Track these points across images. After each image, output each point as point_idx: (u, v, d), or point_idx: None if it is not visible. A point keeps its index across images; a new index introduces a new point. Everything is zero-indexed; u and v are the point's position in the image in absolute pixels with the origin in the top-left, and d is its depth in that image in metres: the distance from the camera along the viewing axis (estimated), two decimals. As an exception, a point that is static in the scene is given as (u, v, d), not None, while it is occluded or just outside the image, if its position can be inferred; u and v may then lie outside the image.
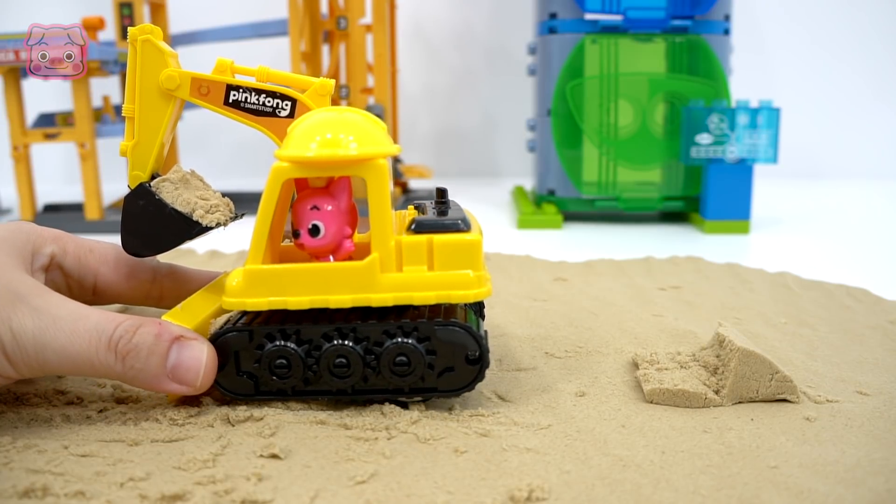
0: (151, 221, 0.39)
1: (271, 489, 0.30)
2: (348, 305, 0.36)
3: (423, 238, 0.36)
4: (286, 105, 0.40)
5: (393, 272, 0.36)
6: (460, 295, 0.36)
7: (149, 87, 0.39)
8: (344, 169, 0.36)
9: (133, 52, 0.39)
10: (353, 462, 0.32)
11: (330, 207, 0.37)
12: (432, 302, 0.36)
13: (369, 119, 0.37)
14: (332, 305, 0.36)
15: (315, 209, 0.37)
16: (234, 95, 0.40)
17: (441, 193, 0.40)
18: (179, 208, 0.39)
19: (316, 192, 0.38)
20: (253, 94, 0.40)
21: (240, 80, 0.40)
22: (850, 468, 0.32)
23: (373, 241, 0.36)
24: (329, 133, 0.35)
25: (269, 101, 0.40)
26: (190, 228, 0.39)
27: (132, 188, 0.40)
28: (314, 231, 0.37)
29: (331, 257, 0.38)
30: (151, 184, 0.39)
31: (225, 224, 0.40)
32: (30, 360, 0.34)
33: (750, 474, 0.31)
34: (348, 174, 0.36)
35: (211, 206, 0.39)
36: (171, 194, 0.39)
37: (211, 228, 0.39)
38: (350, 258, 0.38)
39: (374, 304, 0.36)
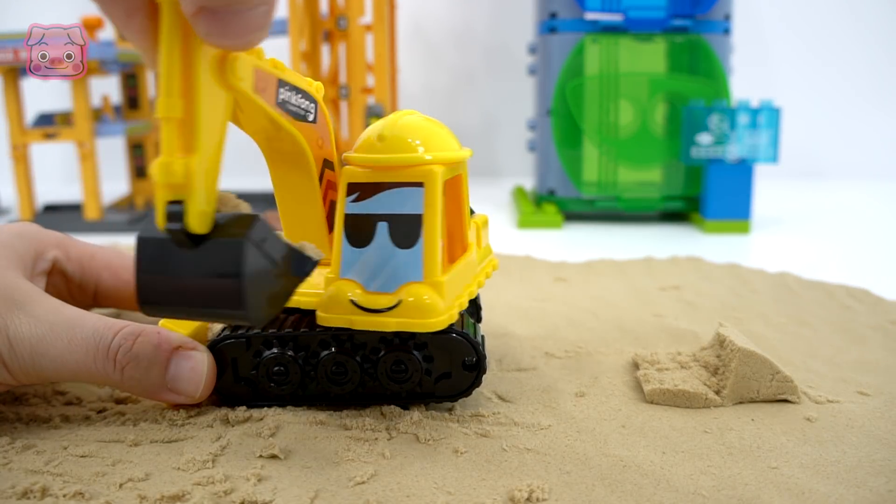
0: (274, 273, 0.29)
1: (271, 490, 0.30)
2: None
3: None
4: (312, 108, 0.34)
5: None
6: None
7: (201, 73, 0.26)
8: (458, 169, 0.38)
9: (170, 21, 0.26)
10: (353, 462, 0.32)
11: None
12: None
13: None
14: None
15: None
16: (282, 94, 0.32)
17: None
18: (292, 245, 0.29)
19: None
20: (294, 93, 0.32)
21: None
22: (851, 469, 0.32)
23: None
24: (448, 136, 0.37)
25: (304, 103, 0.33)
26: (307, 268, 0.30)
27: (236, 235, 0.27)
28: None
29: None
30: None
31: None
32: (27, 368, 0.34)
33: (751, 475, 0.31)
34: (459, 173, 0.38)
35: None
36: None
37: (317, 264, 0.31)
38: None
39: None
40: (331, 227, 0.39)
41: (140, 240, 0.28)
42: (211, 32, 0.25)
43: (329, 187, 0.38)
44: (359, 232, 0.34)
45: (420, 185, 0.34)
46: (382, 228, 0.34)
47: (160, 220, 0.27)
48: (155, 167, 0.26)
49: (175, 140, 0.26)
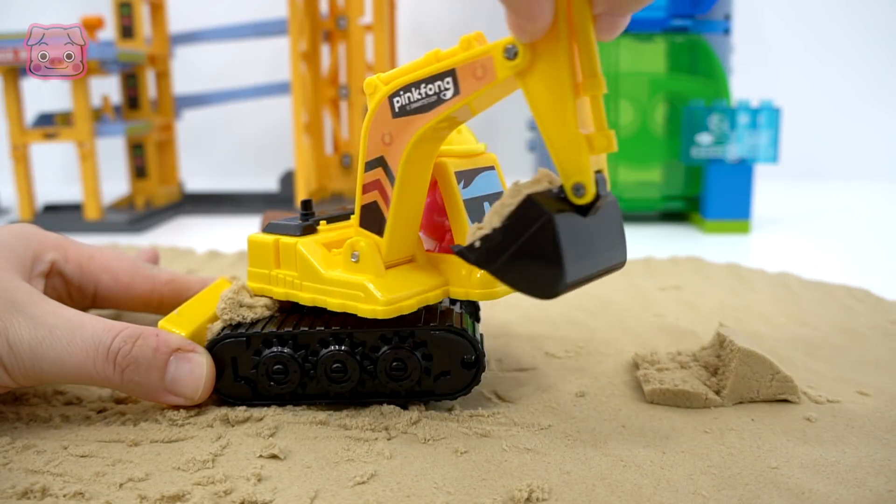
0: None
1: (271, 490, 0.30)
2: None
3: None
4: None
5: None
6: None
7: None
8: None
9: (583, 12, 0.28)
10: (353, 462, 0.32)
11: None
12: None
13: None
14: None
15: None
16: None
17: (306, 205, 0.40)
18: None
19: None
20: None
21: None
22: (850, 468, 0.32)
23: None
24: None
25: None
26: None
27: (608, 196, 0.31)
28: None
29: None
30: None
31: None
32: (27, 370, 0.34)
33: (750, 475, 0.31)
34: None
35: None
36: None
37: None
38: None
39: None
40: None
41: (553, 221, 0.29)
42: (604, 30, 0.29)
43: None
44: (475, 212, 0.38)
45: (492, 168, 0.39)
46: (487, 207, 0.38)
47: (593, 190, 0.29)
48: (599, 139, 0.29)
49: (604, 114, 0.30)
